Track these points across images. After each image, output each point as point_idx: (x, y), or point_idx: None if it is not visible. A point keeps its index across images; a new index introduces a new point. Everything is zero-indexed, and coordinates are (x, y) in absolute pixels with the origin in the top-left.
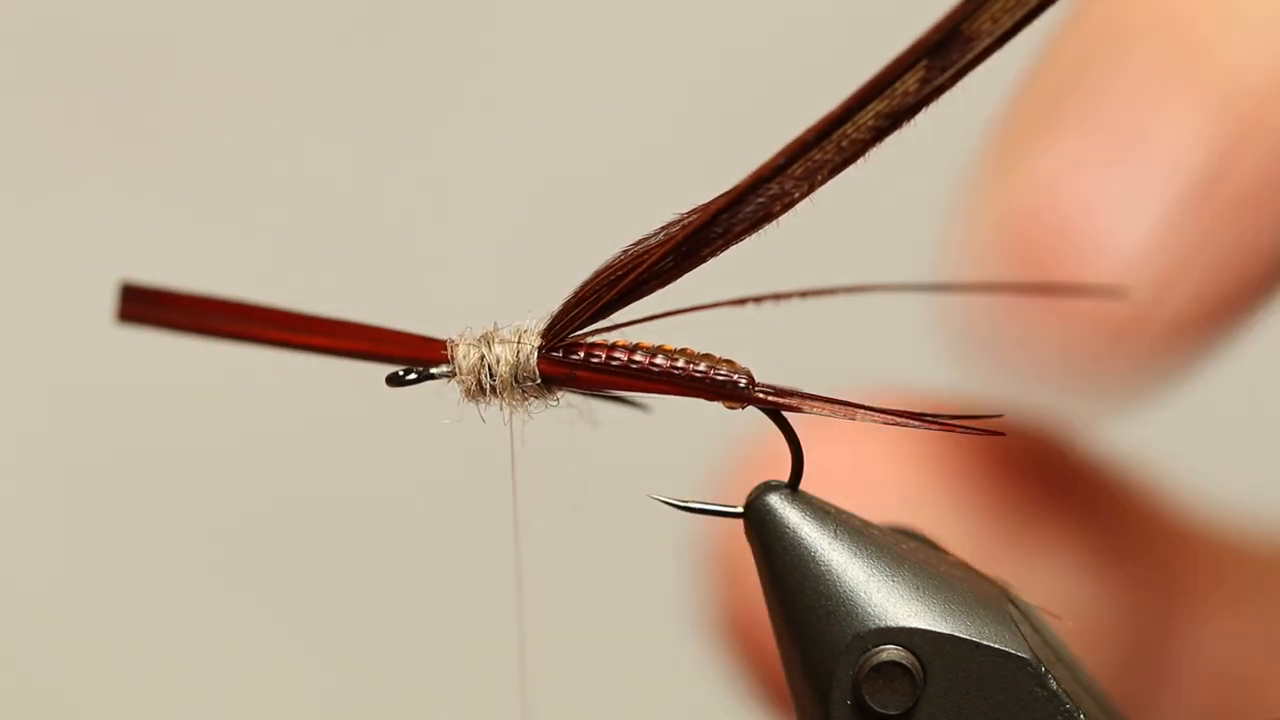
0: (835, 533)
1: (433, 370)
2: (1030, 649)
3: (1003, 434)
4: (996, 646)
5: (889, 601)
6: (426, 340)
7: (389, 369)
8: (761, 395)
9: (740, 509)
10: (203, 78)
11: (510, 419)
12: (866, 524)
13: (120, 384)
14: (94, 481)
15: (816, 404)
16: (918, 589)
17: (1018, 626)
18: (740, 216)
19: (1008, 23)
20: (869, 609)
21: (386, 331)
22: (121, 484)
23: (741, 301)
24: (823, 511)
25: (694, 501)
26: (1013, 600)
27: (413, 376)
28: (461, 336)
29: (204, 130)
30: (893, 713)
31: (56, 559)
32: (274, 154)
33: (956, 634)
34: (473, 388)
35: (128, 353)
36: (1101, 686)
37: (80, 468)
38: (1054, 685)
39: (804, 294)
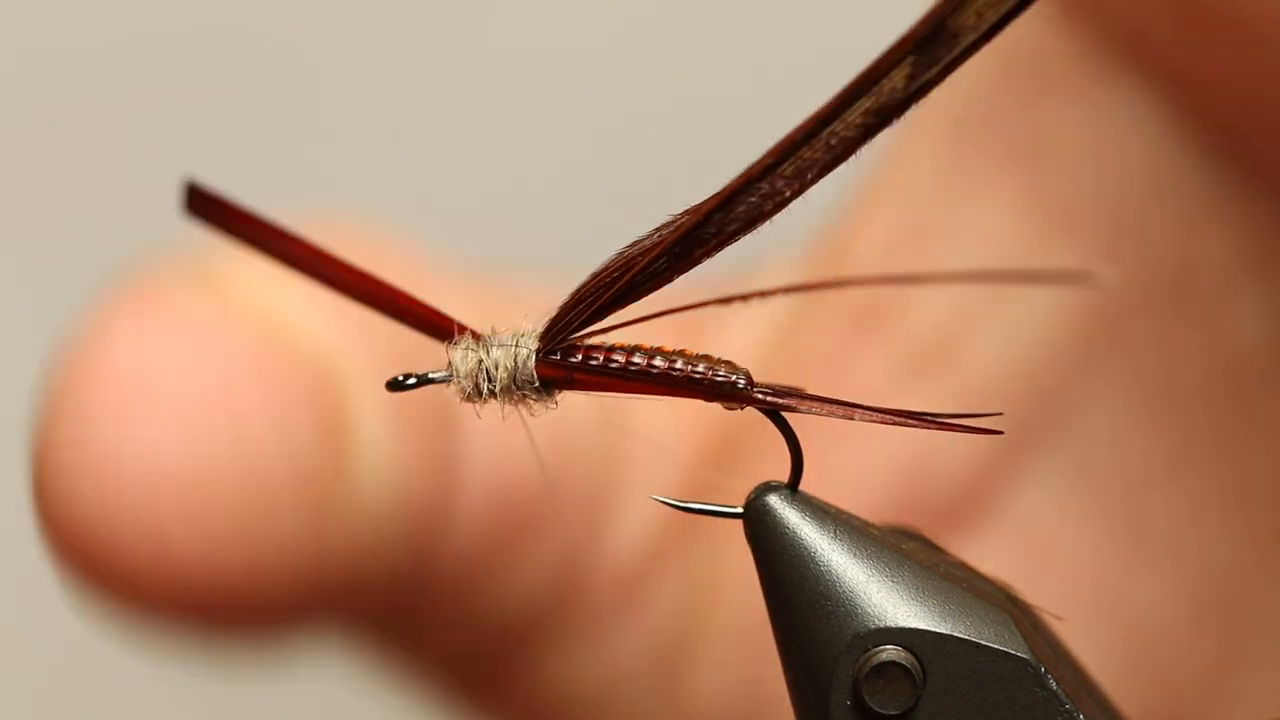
0: (835, 533)
1: (431, 375)
2: (1030, 649)
3: (1001, 432)
4: (996, 646)
5: (889, 602)
6: (441, 315)
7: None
8: (760, 395)
9: (740, 509)
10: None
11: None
12: (866, 524)
13: None
14: None
15: (815, 404)
16: (918, 589)
17: (1018, 626)
18: (733, 217)
19: (992, 17)
20: (869, 609)
21: (411, 298)
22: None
23: (728, 300)
24: (822, 512)
25: (693, 501)
26: (1013, 600)
27: (412, 381)
28: (459, 340)
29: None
30: (892, 713)
31: None
32: (275, 153)
33: (956, 634)
34: (470, 391)
35: None
36: (1101, 686)
37: None
38: (1054, 685)
39: (788, 290)
